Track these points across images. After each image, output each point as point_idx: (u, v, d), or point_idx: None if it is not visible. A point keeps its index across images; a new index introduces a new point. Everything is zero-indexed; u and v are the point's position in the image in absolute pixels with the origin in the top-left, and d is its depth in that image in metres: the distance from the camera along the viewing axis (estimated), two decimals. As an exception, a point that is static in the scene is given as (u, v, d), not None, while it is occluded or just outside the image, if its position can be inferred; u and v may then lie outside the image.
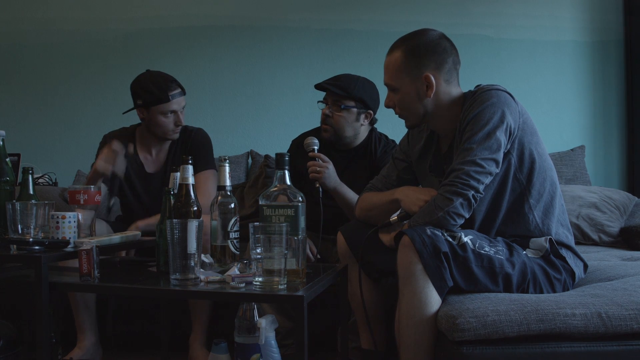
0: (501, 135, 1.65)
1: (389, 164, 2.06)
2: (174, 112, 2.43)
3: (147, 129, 2.48)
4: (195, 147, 2.50)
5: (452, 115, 1.78)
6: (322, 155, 2.22)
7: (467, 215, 1.64)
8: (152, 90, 2.39)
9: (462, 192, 1.61)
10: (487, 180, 1.65)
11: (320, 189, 2.16)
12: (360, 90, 2.34)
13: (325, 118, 2.37)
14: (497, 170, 1.67)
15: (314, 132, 2.46)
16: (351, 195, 2.21)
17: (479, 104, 1.67)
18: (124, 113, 2.58)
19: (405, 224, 1.75)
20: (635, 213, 2.78)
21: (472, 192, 1.61)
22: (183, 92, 2.47)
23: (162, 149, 2.55)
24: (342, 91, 2.31)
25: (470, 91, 1.79)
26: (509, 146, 1.69)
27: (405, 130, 1.99)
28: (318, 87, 2.38)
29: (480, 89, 1.73)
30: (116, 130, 2.62)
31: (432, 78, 1.74)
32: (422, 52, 1.75)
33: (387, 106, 1.84)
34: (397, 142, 2.43)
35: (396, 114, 1.85)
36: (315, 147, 2.23)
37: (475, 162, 1.62)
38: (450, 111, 1.78)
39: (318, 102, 2.43)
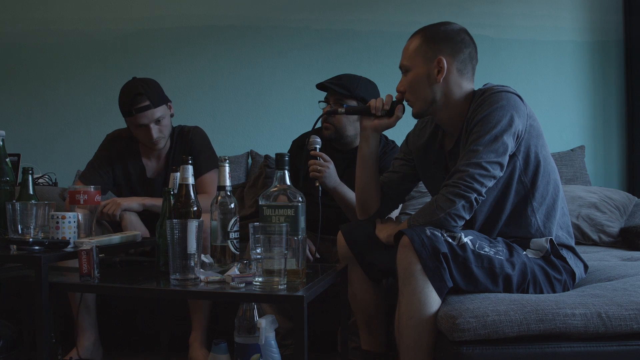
0: (508, 139, 1.64)
1: (391, 167, 2.07)
2: (144, 125, 2.37)
3: None
4: (196, 149, 2.47)
5: (460, 110, 1.78)
6: (324, 155, 2.22)
7: (468, 217, 1.64)
8: (121, 102, 2.38)
9: (464, 194, 1.61)
10: (491, 183, 1.64)
11: (320, 188, 2.16)
12: (362, 89, 2.34)
13: (326, 117, 2.36)
14: (502, 174, 1.66)
15: (315, 132, 2.46)
16: (351, 195, 2.21)
17: (488, 106, 1.66)
18: (126, 127, 2.57)
19: (405, 221, 1.75)
20: (635, 213, 2.78)
21: (475, 195, 1.61)
22: (154, 105, 2.35)
23: (162, 154, 2.53)
24: (345, 90, 2.31)
25: (480, 89, 1.78)
26: (515, 149, 1.69)
27: (406, 127, 1.99)
28: (320, 86, 2.38)
29: (489, 89, 1.72)
30: (120, 129, 2.61)
31: (445, 62, 1.75)
32: (439, 37, 1.78)
33: (398, 90, 1.85)
34: (397, 142, 2.44)
35: (406, 100, 1.85)
36: (317, 146, 2.23)
37: (481, 165, 1.61)
38: (458, 105, 1.78)
39: (319, 102, 2.42)
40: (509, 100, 1.67)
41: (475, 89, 1.81)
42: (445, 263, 1.57)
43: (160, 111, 2.38)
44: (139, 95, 2.33)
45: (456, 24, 1.83)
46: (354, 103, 2.33)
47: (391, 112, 1.89)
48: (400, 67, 1.84)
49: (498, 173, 1.64)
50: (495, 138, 1.63)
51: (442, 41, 1.77)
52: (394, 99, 1.88)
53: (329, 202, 2.31)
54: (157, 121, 2.38)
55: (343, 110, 1.99)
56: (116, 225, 2.34)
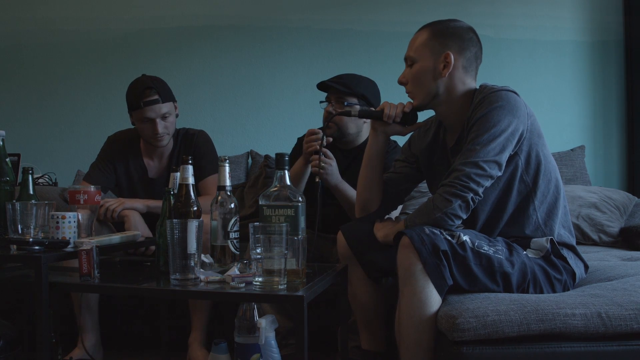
0: (507, 139, 1.64)
1: (392, 167, 2.07)
2: (150, 119, 2.38)
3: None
4: (200, 152, 2.49)
5: (460, 106, 1.78)
6: (327, 151, 2.22)
7: (464, 216, 1.64)
8: (129, 96, 2.40)
9: (460, 194, 1.61)
10: (488, 183, 1.64)
11: (320, 184, 2.15)
12: (363, 87, 2.35)
13: (328, 115, 2.37)
14: (500, 174, 1.66)
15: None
16: (352, 193, 2.21)
17: (488, 105, 1.67)
18: (128, 129, 2.57)
19: (401, 222, 1.75)
20: (635, 213, 2.78)
21: (471, 194, 1.61)
22: (162, 100, 2.38)
23: (165, 154, 2.54)
24: (346, 88, 2.33)
25: (481, 86, 1.78)
26: (516, 149, 1.69)
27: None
28: (321, 85, 2.39)
29: (490, 89, 1.72)
30: (121, 131, 2.61)
31: (452, 58, 1.76)
32: (449, 33, 1.79)
33: (400, 82, 1.86)
34: (398, 142, 2.45)
35: (407, 92, 1.85)
36: (321, 144, 2.22)
37: (477, 165, 1.62)
38: (458, 101, 1.79)
39: (320, 102, 2.43)
40: (509, 100, 1.67)
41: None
42: (445, 260, 1.57)
43: (167, 107, 2.41)
44: (149, 89, 2.38)
45: (464, 22, 1.84)
46: (354, 100, 2.34)
47: (403, 121, 1.90)
48: (406, 59, 1.84)
49: (495, 172, 1.64)
50: (493, 138, 1.63)
51: (451, 37, 1.78)
52: (406, 109, 1.88)
53: (330, 200, 2.31)
54: (164, 117, 2.41)
55: (356, 112, 1.98)
56: (120, 226, 2.35)
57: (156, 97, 2.38)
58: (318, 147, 2.19)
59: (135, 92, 2.38)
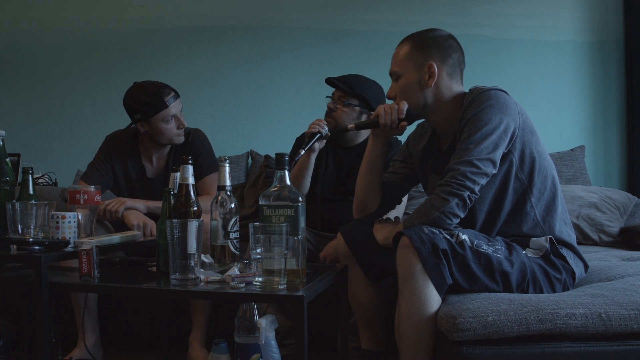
0: (499, 137, 1.65)
1: (390, 167, 2.08)
2: (174, 116, 2.41)
3: (151, 139, 2.48)
4: (197, 150, 2.49)
5: (452, 112, 1.79)
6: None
7: (462, 215, 1.65)
8: (147, 100, 2.38)
9: (457, 192, 1.62)
10: (483, 181, 1.65)
11: (301, 154, 2.16)
12: (366, 90, 2.38)
13: (329, 111, 2.39)
14: (494, 171, 1.67)
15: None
16: None
17: (478, 105, 1.68)
18: (126, 128, 2.57)
19: (400, 223, 1.75)
20: (635, 213, 2.78)
21: (468, 192, 1.62)
22: (177, 95, 2.44)
23: (163, 154, 2.55)
24: (347, 88, 2.36)
25: (470, 89, 1.79)
26: (509, 146, 1.69)
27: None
28: (328, 80, 2.43)
29: (479, 89, 1.74)
30: (119, 130, 2.61)
31: (435, 67, 1.77)
32: (429, 43, 1.80)
33: (389, 97, 1.87)
34: (399, 141, 2.45)
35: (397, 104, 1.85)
36: (323, 132, 2.22)
37: (472, 163, 1.62)
38: (449, 108, 1.80)
39: (326, 96, 2.45)
40: (498, 98, 1.69)
41: (466, 90, 1.82)
42: (445, 260, 1.57)
43: (180, 101, 2.47)
44: (165, 87, 2.41)
45: (443, 30, 1.86)
46: (355, 102, 2.37)
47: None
48: (391, 74, 1.86)
49: (490, 170, 1.65)
50: (486, 136, 1.64)
51: (431, 47, 1.79)
52: (401, 116, 1.85)
53: (330, 198, 2.31)
54: (181, 111, 2.46)
55: (352, 127, 1.97)
56: (118, 226, 2.34)
57: (173, 93, 2.43)
58: (320, 132, 2.21)
59: (155, 94, 2.38)
